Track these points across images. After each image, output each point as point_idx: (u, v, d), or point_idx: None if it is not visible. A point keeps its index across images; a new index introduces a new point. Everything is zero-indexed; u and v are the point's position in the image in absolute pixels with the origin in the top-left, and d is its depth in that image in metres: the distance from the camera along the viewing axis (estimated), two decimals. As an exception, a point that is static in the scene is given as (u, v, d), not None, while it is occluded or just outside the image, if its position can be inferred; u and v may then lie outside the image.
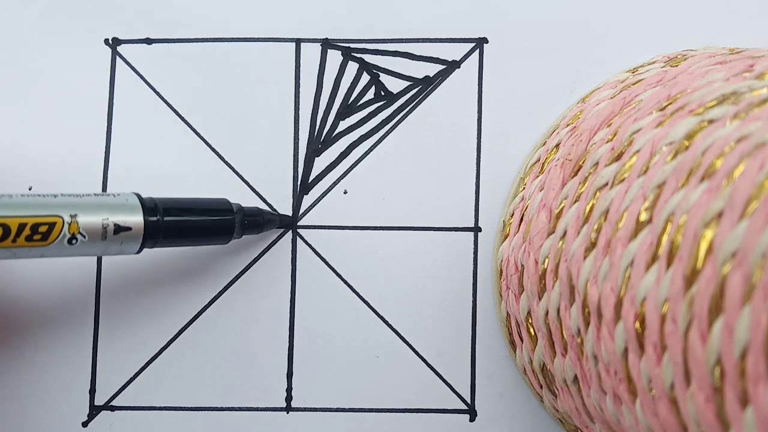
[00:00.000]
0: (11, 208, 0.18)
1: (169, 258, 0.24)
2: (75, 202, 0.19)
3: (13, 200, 0.18)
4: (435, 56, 0.25)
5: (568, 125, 0.22)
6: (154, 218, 0.20)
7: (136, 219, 0.19)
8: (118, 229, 0.19)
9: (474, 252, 0.24)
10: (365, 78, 0.25)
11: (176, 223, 0.20)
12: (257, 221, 0.23)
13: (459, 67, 0.25)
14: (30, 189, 0.24)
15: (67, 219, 0.18)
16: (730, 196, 0.14)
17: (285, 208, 0.25)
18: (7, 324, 0.24)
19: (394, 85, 0.25)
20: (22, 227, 0.18)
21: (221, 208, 0.22)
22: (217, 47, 0.25)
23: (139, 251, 0.20)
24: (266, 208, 0.24)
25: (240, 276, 0.24)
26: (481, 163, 0.25)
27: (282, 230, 0.25)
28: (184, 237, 0.21)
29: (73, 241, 0.18)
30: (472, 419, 0.24)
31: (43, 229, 0.18)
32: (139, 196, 0.20)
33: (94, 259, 0.24)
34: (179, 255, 0.24)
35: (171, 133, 0.25)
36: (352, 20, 0.25)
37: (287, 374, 0.24)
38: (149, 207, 0.20)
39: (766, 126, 0.14)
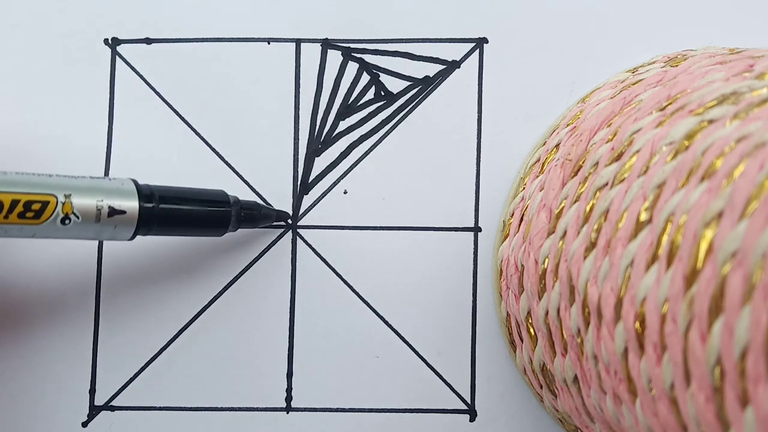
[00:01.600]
0: (5, 185, 0.18)
1: (169, 258, 0.24)
2: (70, 182, 0.19)
3: (7, 177, 0.18)
4: (435, 56, 0.25)
5: (568, 125, 0.22)
6: (150, 205, 0.20)
7: (131, 204, 0.19)
8: (113, 212, 0.19)
9: (474, 252, 0.24)
10: (365, 78, 0.25)
11: (172, 211, 0.20)
12: (253, 215, 0.22)
13: (459, 67, 0.25)
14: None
15: (61, 198, 0.18)
16: (730, 196, 0.14)
17: (285, 208, 0.25)
18: (8, 324, 0.24)
19: (394, 85, 0.25)
20: (14, 203, 0.17)
21: (218, 199, 0.22)
22: (217, 47, 0.25)
23: (133, 237, 0.20)
24: (264, 203, 0.24)
25: (240, 276, 0.24)
26: (481, 163, 0.25)
27: (282, 230, 0.25)
28: (178, 225, 0.21)
29: (66, 222, 0.18)
30: (472, 419, 0.24)
31: (36, 206, 0.18)
32: (135, 181, 0.20)
33: (95, 258, 0.24)
34: (179, 255, 0.24)
35: (171, 133, 0.25)
36: (352, 20, 0.25)
37: (287, 374, 0.24)
38: (145, 193, 0.20)
39: (766, 126, 0.14)
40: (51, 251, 0.24)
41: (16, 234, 0.18)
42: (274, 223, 0.24)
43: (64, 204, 0.18)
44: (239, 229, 0.23)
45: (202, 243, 0.24)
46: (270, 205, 0.25)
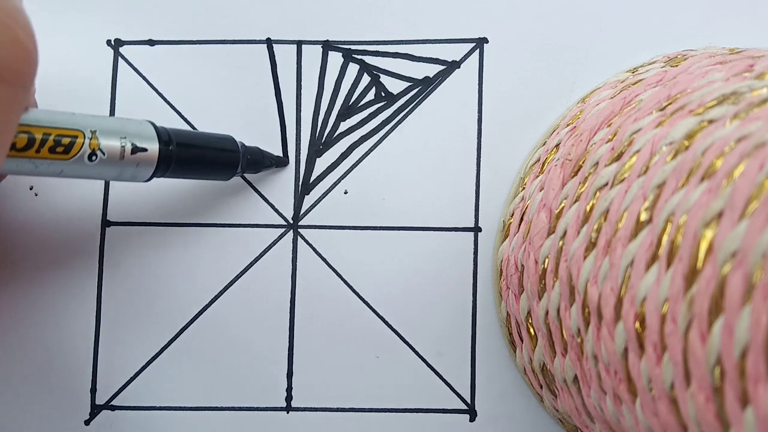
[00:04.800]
0: (36, 120, 0.18)
1: (170, 257, 0.24)
2: (95, 121, 0.19)
3: (38, 113, 0.18)
4: (435, 57, 0.25)
5: (568, 125, 0.22)
6: (168, 146, 0.20)
7: (151, 144, 0.20)
8: (135, 149, 0.19)
9: (474, 252, 0.24)
10: (366, 79, 0.25)
11: (188, 152, 0.21)
12: (257, 159, 0.23)
13: (459, 67, 0.25)
14: (31, 188, 0.24)
15: (88, 135, 0.18)
16: (730, 196, 0.14)
17: (286, 208, 0.25)
18: (9, 323, 0.24)
19: (394, 85, 0.25)
20: (45, 138, 0.18)
21: (228, 142, 0.23)
22: (219, 49, 0.25)
23: (150, 179, 0.20)
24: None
25: (241, 275, 0.24)
26: (481, 163, 0.25)
27: (282, 230, 0.25)
28: (193, 167, 0.22)
29: (93, 158, 0.19)
30: (472, 419, 0.24)
31: (65, 141, 0.18)
32: (153, 123, 0.20)
33: (96, 258, 0.24)
34: (180, 254, 0.24)
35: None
36: (353, 22, 0.25)
37: (287, 374, 0.24)
38: (163, 136, 0.20)
39: (766, 126, 0.14)
40: (52, 250, 0.24)
41: (45, 170, 0.18)
42: (275, 168, 0.25)
43: (90, 140, 0.19)
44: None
45: (204, 242, 0.24)
46: (272, 205, 0.25)
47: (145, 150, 0.20)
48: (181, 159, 0.21)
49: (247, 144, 0.23)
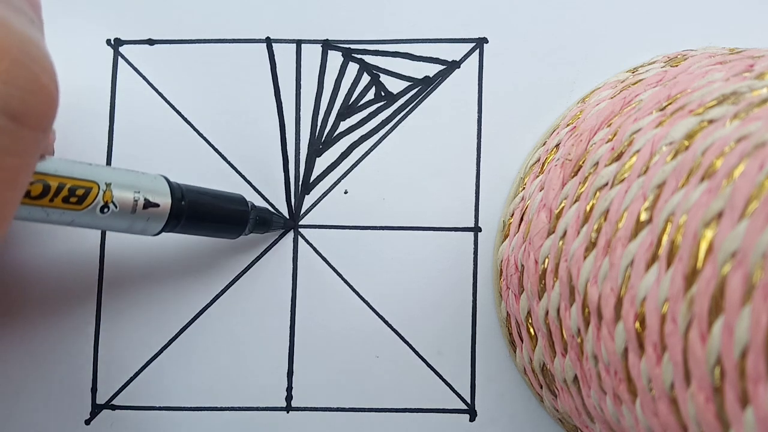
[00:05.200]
0: (53, 169, 0.18)
1: (170, 258, 0.24)
2: (110, 173, 0.19)
3: (55, 163, 0.18)
4: (435, 56, 0.25)
5: (568, 125, 0.22)
6: (181, 202, 0.20)
7: (164, 199, 0.20)
8: (148, 204, 0.20)
9: (474, 252, 0.24)
10: (365, 78, 0.25)
11: (199, 208, 0.21)
12: (266, 219, 0.23)
13: (459, 67, 0.25)
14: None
15: (102, 187, 0.19)
16: (730, 196, 0.14)
17: (286, 208, 0.25)
18: (10, 323, 0.24)
19: (394, 85, 0.25)
20: (61, 187, 0.18)
21: (238, 201, 0.23)
22: (219, 48, 0.25)
23: (160, 232, 0.20)
24: (271, 209, 0.24)
25: (241, 275, 0.24)
26: (481, 163, 0.25)
27: (282, 230, 0.25)
28: (202, 224, 0.22)
29: (105, 210, 0.19)
30: (472, 419, 0.24)
31: (80, 192, 0.18)
32: (166, 178, 0.21)
33: (97, 256, 0.24)
34: (181, 255, 0.24)
35: (173, 133, 0.25)
36: (353, 21, 0.25)
37: (287, 374, 0.24)
38: (176, 191, 0.20)
39: (766, 126, 0.14)
40: (52, 250, 0.24)
41: (56, 219, 0.18)
42: (282, 229, 0.25)
43: (105, 192, 0.19)
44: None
45: (204, 243, 0.24)
46: (272, 204, 0.25)
47: (157, 205, 0.20)
48: (192, 216, 0.21)
49: (256, 203, 0.24)
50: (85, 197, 0.18)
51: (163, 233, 0.21)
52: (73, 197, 0.18)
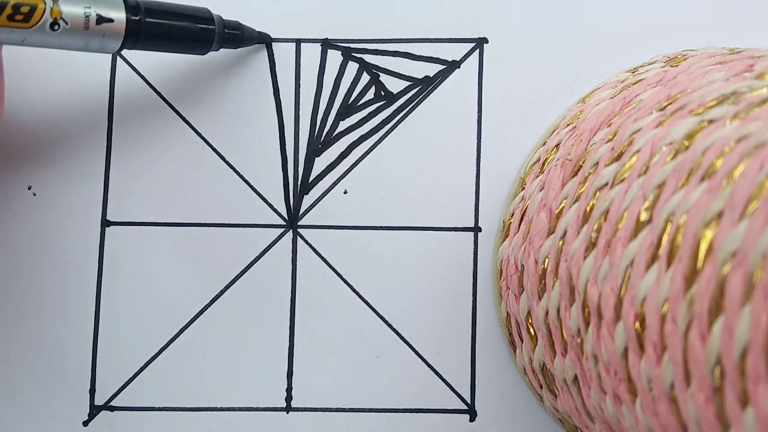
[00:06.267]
0: None
1: (169, 257, 0.24)
2: None
3: None
4: (435, 56, 0.25)
5: (568, 125, 0.22)
6: (137, 17, 0.20)
7: (118, 14, 0.20)
8: (101, 19, 0.19)
9: (474, 252, 0.24)
10: (365, 78, 0.25)
11: (158, 24, 0.21)
12: (236, 34, 0.23)
13: (459, 67, 0.25)
14: (29, 188, 0.24)
15: (49, 4, 0.18)
16: (730, 196, 0.14)
17: (285, 208, 0.25)
18: (8, 323, 0.24)
19: (394, 85, 0.25)
20: (2, 6, 0.18)
21: (202, 16, 0.22)
22: (217, 47, 0.25)
23: (120, 50, 0.20)
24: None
25: (240, 276, 0.24)
26: (481, 163, 0.25)
27: (282, 230, 0.25)
28: (164, 40, 0.21)
29: (56, 27, 0.18)
30: (472, 419, 0.24)
31: (24, 9, 0.18)
32: None
33: (95, 257, 0.24)
34: (179, 255, 0.24)
35: (172, 133, 0.25)
36: (352, 20, 0.25)
37: (287, 374, 0.24)
38: (131, 4, 0.20)
39: (766, 126, 0.14)
40: (51, 251, 0.24)
41: (6, 38, 0.18)
42: (257, 44, 0.24)
43: (52, 9, 0.18)
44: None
45: (203, 243, 0.24)
46: (271, 205, 0.25)
47: (111, 20, 0.19)
48: (151, 31, 0.20)
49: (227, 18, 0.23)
50: (31, 14, 0.18)
51: (131, 51, 0.21)
52: (18, 15, 0.18)
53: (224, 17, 0.23)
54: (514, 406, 0.24)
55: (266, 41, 0.24)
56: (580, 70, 0.24)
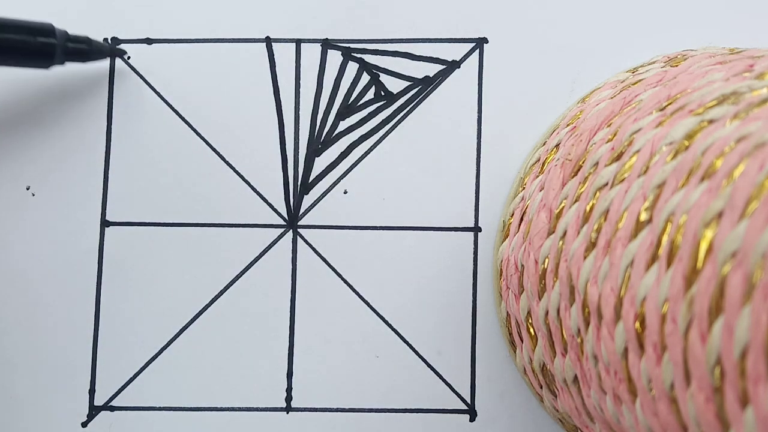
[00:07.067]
0: None
1: (169, 258, 0.24)
2: None
3: None
4: (435, 56, 0.25)
5: (568, 125, 0.22)
6: None
7: None
8: None
9: (474, 252, 0.24)
10: (365, 78, 0.25)
11: None
12: (81, 48, 0.23)
13: (459, 67, 0.25)
14: (28, 188, 0.24)
15: None
16: (730, 196, 0.14)
17: (285, 208, 0.25)
18: (7, 324, 0.24)
19: (394, 85, 0.25)
20: None
21: (43, 29, 0.22)
22: (218, 47, 0.25)
23: None
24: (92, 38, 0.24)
25: (240, 276, 0.24)
26: (481, 163, 0.25)
27: (282, 230, 0.25)
28: (1, 52, 0.21)
29: None
30: (472, 419, 0.24)
31: None
32: None
33: (95, 257, 0.24)
34: (179, 255, 0.24)
35: (171, 132, 0.25)
36: (352, 20, 0.25)
37: (287, 374, 0.24)
38: None
39: (766, 126, 0.14)
40: (50, 251, 0.24)
41: None
42: (108, 58, 0.24)
43: None
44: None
45: (203, 243, 0.24)
46: (270, 204, 0.25)
47: None
48: None
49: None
50: None
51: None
52: None
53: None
54: (514, 406, 0.24)
55: (118, 55, 0.24)
56: (580, 70, 0.24)
